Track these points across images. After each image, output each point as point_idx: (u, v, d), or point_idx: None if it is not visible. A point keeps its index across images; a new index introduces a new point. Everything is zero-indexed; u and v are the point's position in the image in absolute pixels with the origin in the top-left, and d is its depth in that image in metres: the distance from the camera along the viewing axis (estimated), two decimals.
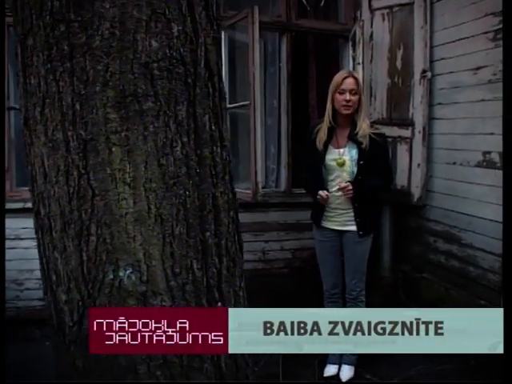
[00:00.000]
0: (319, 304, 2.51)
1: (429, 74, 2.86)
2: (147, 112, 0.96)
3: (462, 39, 2.68)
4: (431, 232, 3.03)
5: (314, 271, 2.58)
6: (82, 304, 1.01)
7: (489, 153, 2.53)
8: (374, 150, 2.27)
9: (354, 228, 2.35)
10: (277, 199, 3.37)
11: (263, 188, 3.34)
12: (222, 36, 3.22)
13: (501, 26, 2.38)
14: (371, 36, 3.20)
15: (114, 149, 0.95)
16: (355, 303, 2.41)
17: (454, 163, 2.79)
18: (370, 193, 2.35)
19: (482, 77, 2.54)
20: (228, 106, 3.27)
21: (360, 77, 2.63)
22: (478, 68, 2.57)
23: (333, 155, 2.32)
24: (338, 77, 2.30)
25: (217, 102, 1.05)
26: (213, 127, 1.03)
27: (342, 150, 2.31)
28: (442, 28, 2.83)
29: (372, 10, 3.21)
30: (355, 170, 2.28)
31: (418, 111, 2.92)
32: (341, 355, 2.54)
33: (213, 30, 1.06)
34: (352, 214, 2.33)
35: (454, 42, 2.74)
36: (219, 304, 1.07)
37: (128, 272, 0.97)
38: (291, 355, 2.25)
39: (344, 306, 2.47)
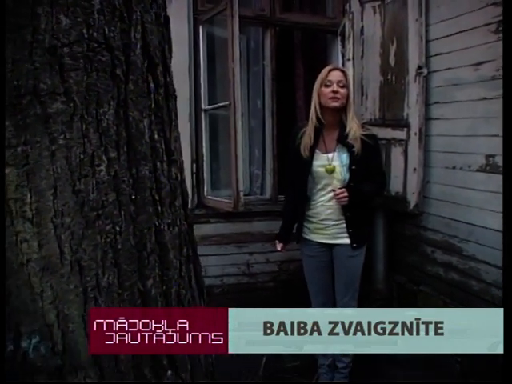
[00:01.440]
0: None
1: (425, 71, 2.72)
2: (55, 117, 0.66)
3: (460, 32, 2.52)
4: (429, 242, 2.90)
5: (302, 285, 2.42)
6: None
7: (493, 156, 2.37)
8: (366, 154, 2.11)
9: (345, 241, 2.19)
10: (261, 207, 3.24)
11: (247, 195, 3.20)
12: (200, 31, 3.02)
13: None
14: (362, 30, 3.09)
15: (7, 170, 0.66)
16: None
17: (454, 167, 2.65)
18: (364, 200, 2.20)
19: (484, 73, 2.41)
20: (207, 107, 3.11)
21: (349, 73, 2.43)
22: (479, 63, 2.43)
23: (321, 161, 2.14)
24: (323, 71, 2.16)
25: (161, 101, 0.76)
26: (155, 136, 0.75)
27: (330, 155, 2.13)
28: (438, 20, 2.70)
29: (362, 3, 3.13)
30: (347, 176, 2.11)
31: (413, 111, 2.78)
32: (332, 377, 2.36)
33: (155, 3, 0.77)
34: (344, 225, 2.16)
35: (451, 35, 2.59)
36: (169, 373, 0.80)
37: (34, 341, 0.69)
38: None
39: None
